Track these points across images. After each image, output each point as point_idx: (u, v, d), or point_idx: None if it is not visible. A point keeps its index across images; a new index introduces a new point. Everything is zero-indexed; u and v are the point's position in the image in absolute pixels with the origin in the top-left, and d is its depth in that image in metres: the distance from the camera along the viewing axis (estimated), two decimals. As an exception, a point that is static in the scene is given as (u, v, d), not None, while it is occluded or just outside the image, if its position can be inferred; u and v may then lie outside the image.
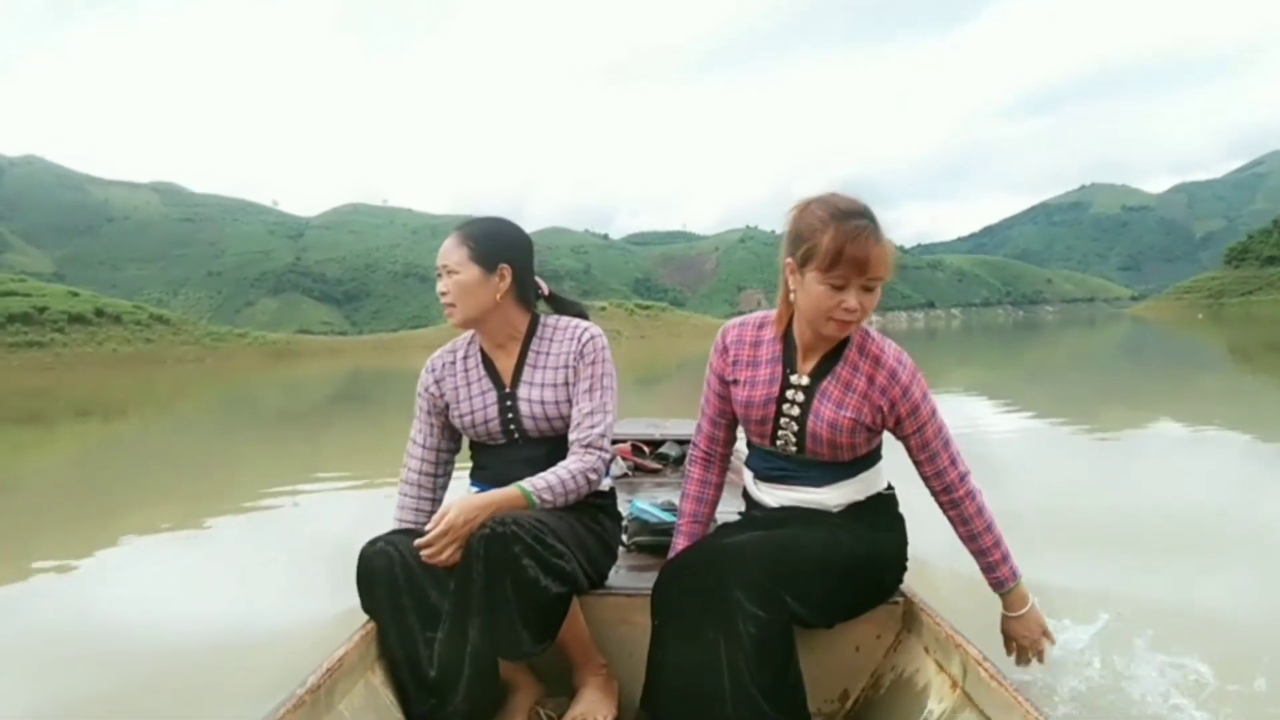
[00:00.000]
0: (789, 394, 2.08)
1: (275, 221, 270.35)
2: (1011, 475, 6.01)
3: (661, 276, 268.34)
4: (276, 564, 4.67)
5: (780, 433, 2.09)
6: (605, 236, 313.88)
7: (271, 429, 14.46)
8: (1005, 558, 2.04)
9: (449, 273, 2.22)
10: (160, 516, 6.24)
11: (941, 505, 2.07)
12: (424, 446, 2.40)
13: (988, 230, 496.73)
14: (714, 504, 2.30)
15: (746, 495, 2.27)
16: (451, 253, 2.23)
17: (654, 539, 2.68)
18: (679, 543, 2.26)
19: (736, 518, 2.31)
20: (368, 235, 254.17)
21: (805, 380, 2.06)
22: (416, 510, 2.36)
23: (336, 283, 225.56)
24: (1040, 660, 2.05)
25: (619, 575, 2.37)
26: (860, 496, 2.10)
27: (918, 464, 2.06)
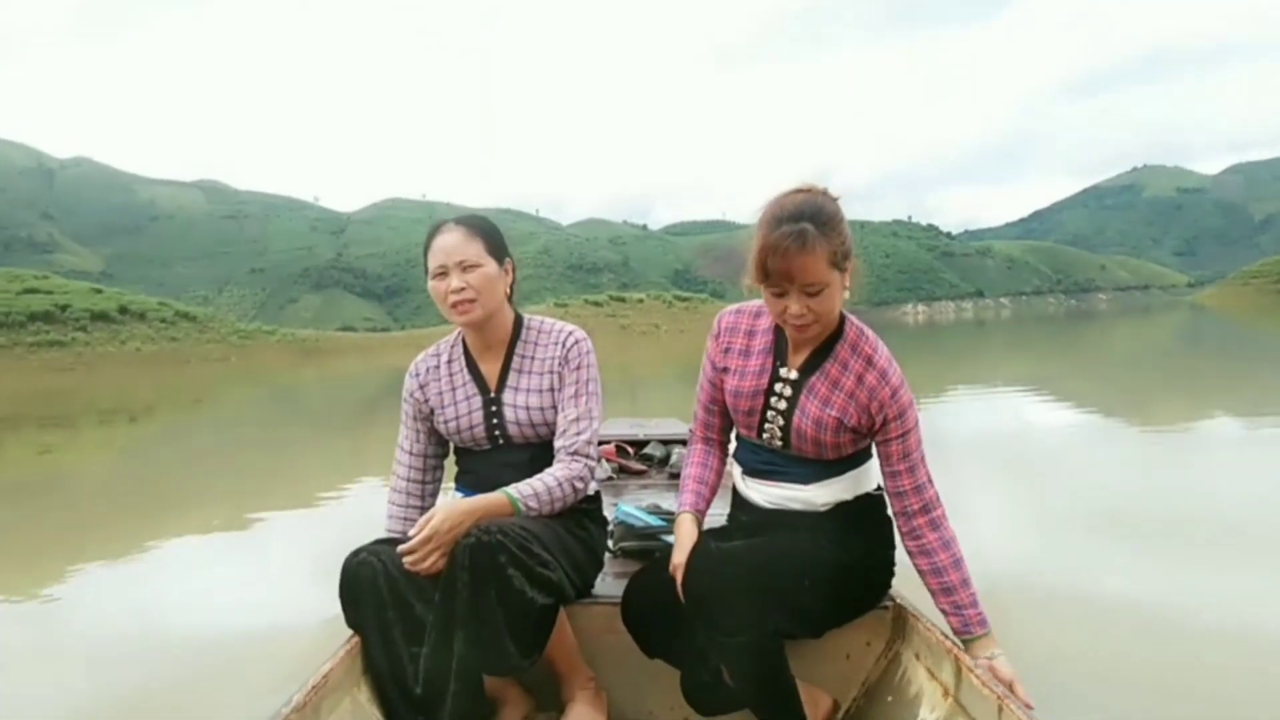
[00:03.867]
0: (777, 387, 2.05)
1: (317, 217, 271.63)
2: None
3: (701, 267, 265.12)
4: (302, 565, 4.68)
5: (766, 425, 2.07)
6: (644, 227, 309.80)
7: (295, 430, 14.23)
8: (975, 600, 1.93)
9: (469, 267, 2.16)
10: (185, 521, 6.26)
11: (913, 528, 1.99)
12: (411, 453, 2.37)
13: (1036, 215, 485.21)
14: (714, 487, 2.24)
15: (735, 493, 2.25)
16: (467, 247, 2.17)
17: (640, 544, 2.64)
18: (684, 500, 2.18)
19: (723, 521, 2.29)
20: (408, 230, 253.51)
21: (794, 375, 2.04)
22: (405, 519, 2.32)
23: (377, 278, 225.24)
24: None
25: (605, 583, 2.33)
26: (848, 496, 2.06)
27: (896, 475, 1.99)
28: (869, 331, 2.04)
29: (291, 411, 19.15)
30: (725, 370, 2.16)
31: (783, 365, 2.06)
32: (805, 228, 1.82)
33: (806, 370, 2.03)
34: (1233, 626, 3.09)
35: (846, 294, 1.95)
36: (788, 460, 2.07)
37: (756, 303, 2.12)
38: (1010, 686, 1.75)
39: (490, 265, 2.18)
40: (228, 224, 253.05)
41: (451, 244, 2.17)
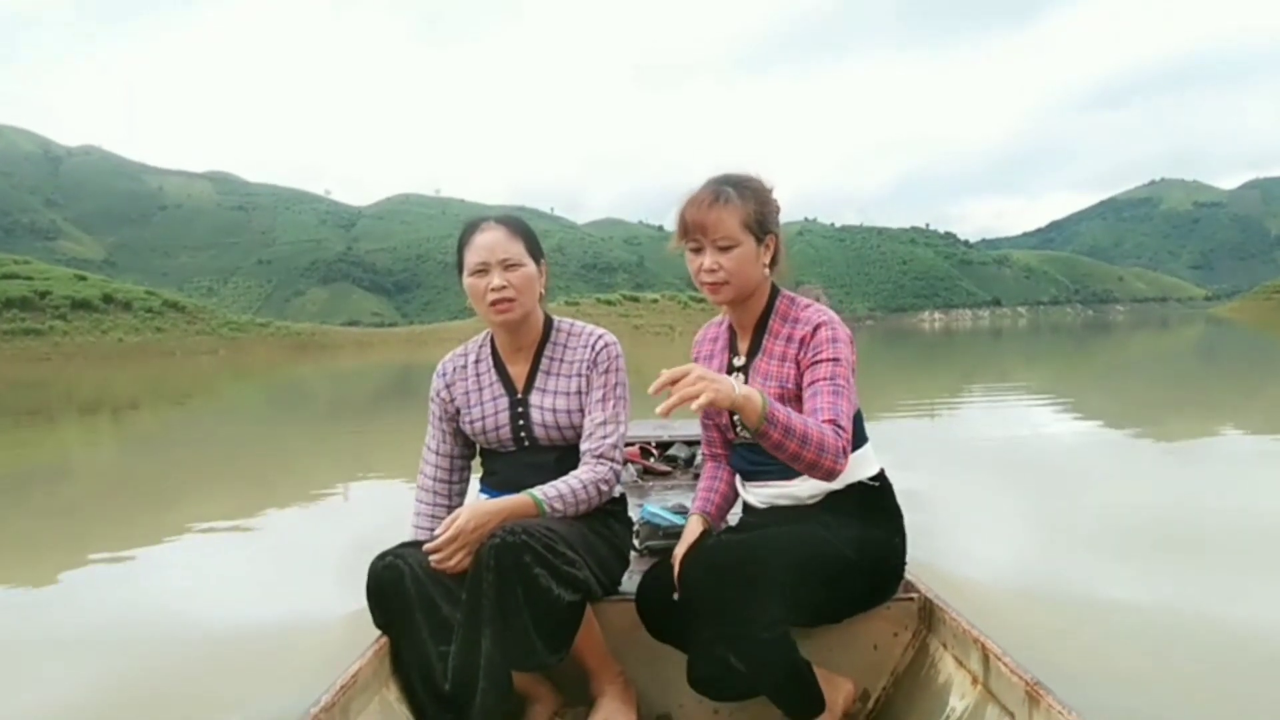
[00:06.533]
0: (732, 377, 2.06)
1: (327, 211, 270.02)
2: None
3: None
4: (310, 562, 4.65)
5: (735, 418, 2.12)
6: (660, 228, 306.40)
7: (284, 432, 13.21)
8: (784, 416, 1.78)
9: (511, 266, 2.18)
10: (178, 521, 6.08)
11: None
12: (437, 453, 2.39)
13: (1054, 225, 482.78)
14: (725, 494, 2.29)
15: (741, 499, 2.31)
16: (509, 245, 2.18)
17: (665, 542, 2.66)
18: (694, 505, 2.28)
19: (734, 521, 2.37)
20: (420, 225, 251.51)
21: (742, 360, 2.14)
22: (432, 518, 2.33)
23: (387, 273, 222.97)
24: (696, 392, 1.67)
25: (632, 580, 2.34)
26: (836, 486, 2.04)
27: (810, 397, 1.95)
28: (801, 299, 2.12)
29: (281, 410, 18.23)
30: None
31: (735, 356, 2.16)
32: (722, 187, 2.00)
33: (751, 353, 2.11)
34: (1252, 625, 3.13)
35: (767, 270, 2.06)
36: (768, 454, 2.00)
37: (722, 315, 2.26)
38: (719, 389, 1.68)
39: (530, 266, 2.20)
40: (236, 215, 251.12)
41: (494, 242, 2.17)
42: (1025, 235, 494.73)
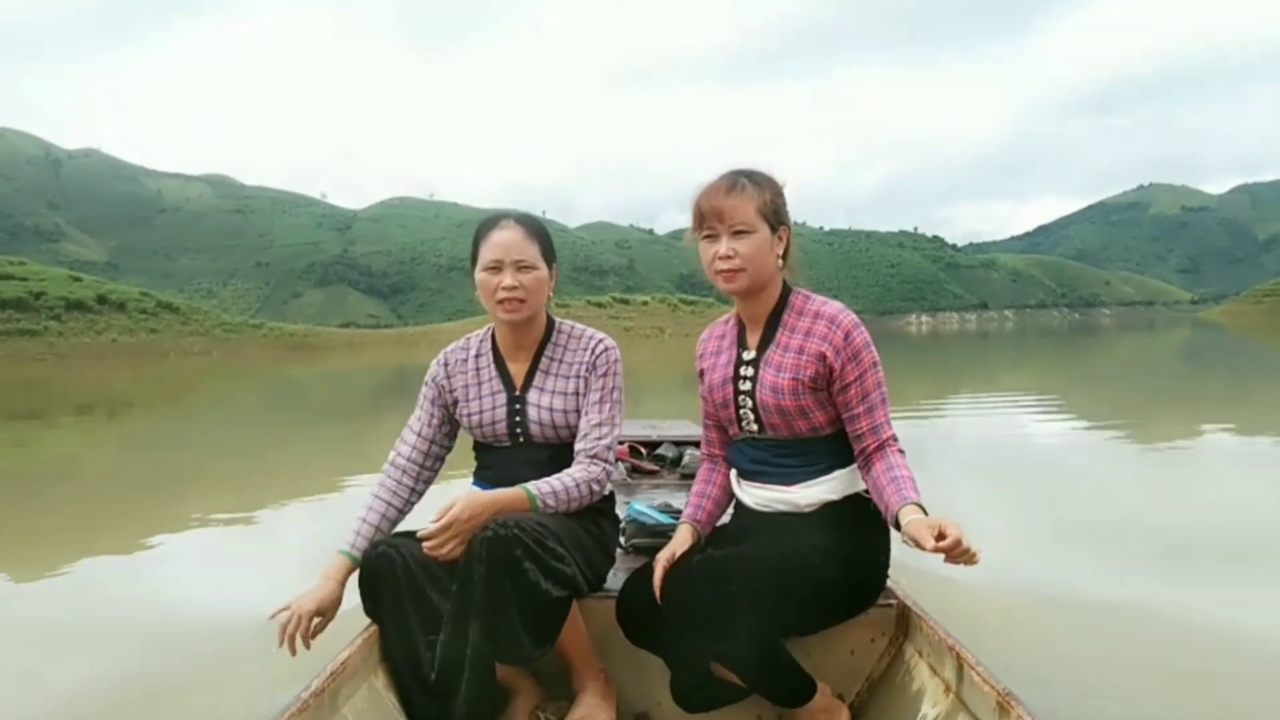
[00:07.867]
0: (741, 371, 2.13)
1: (324, 214, 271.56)
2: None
3: (706, 273, 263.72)
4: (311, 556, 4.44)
5: (741, 413, 2.13)
6: (650, 231, 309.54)
7: (277, 431, 13.34)
8: (914, 485, 1.91)
9: (524, 268, 2.20)
10: (179, 517, 6.16)
11: (867, 464, 2.01)
12: (419, 435, 2.37)
13: (1042, 229, 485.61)
14: (718, 500, 2.30)
15: (735, 497, 2.29)
16: (525, 247, 2.21)
17: (651, 541, 2.68)
18: (685, 512, 2.30)
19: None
20: (414, 228, 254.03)
21: (752, 354, 2.12)
22: (394, 494, 2.30)
23: (382, 275, 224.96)
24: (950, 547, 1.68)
25: (617, 578, 2.35)
26: (834, 497, 2.05)
27: (855, 419, 2.01)
28: (815, 295, 2.12)
29: (276, 410, 18.68)
30: (701, 374, 2.27)
31: (744, 349, 2.14)
32: (737, 177, 2.04)
33: (763, 346, 2.10)
34: (1226, 633, 3.14)
35: (780, 263, 2.07)
36: (772, 453, 2.10)
37: (729, 313, 2.28)
38: (943, 532, 1.70)
39: (543, 269, 2.24)
40: (234, 218, 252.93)
41: (510, 241, 2.20)
42: (1013, 239, 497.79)
